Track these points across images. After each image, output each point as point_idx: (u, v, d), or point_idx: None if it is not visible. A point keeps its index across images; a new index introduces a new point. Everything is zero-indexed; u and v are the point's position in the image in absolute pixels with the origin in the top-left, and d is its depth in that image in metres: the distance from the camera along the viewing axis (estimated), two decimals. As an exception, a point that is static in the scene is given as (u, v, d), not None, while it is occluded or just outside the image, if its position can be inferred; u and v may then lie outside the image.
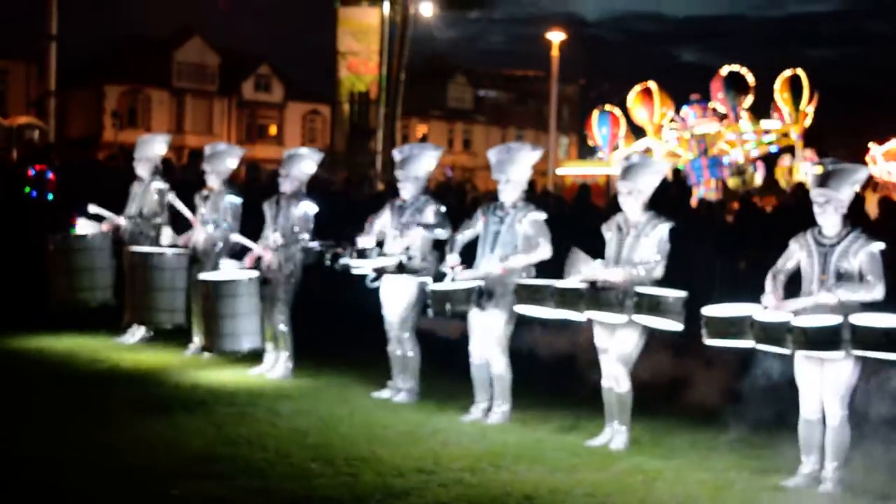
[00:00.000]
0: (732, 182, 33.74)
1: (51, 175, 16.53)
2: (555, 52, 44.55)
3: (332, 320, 12.13)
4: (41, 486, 6.87)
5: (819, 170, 7.61)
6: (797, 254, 7.57)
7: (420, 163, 9.90)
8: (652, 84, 36.34)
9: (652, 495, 7.23)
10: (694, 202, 18.77)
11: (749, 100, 35.29)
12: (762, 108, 35.94)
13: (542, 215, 9.09)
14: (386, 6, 41.83)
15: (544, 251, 8.95)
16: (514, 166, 9.16)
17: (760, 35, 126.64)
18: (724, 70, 35.37)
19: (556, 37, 44.61)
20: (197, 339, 11.47)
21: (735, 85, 35.09)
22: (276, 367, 10.70)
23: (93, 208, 11.99)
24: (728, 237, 13.86)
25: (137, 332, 12.09)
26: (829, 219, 7.43)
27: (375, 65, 42.30)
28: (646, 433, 8.69)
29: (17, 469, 7.20)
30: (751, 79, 35.16)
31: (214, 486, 6.96)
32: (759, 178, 34.34)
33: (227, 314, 10.42)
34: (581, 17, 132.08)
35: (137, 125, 52.49)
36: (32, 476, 7.04)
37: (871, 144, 34.97)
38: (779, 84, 35.57)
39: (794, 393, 7.54)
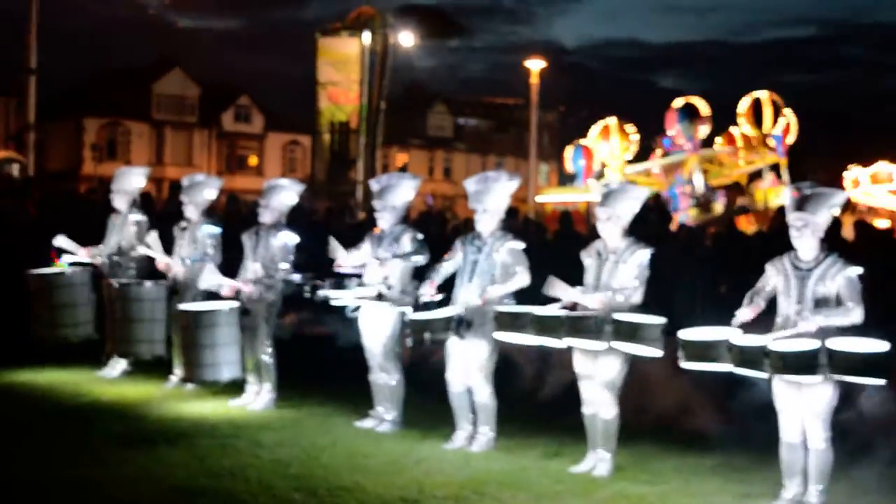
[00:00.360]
0: (693, 213, 33.92)
1: (30, 209, 16.48)
2: (534, 80, 44.67)
3: (312, 350, 12.09)
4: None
5: (793, 193, 7.63)
6: (774, 278, 7.59)
7: (397, 192, 9.91)
8: (611, 120, 36.96)
9: (636, 521, 7.25)
10: (674, 227, 18.79)
11: (705, 129, 35.66)
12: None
13: (520, 244, 9.11)
14: (366, 36, 41.95)
15: (522, 279, 8.97)
16: (491, 196, 9.19)
17: (738, 61, 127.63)
18: (678, 102, 35.80)
19: (535, 65, 44.75)
20: (178, 372, 11.44)
21: (689, 115, 35.49)
22: (258, 398, 10.68)
23: (61, 240, 11.96)
24: (709, 261, 13.87)
25: (118, 366, 12.06)
26: (806, 243, 7.46)
27: (356, 94, 42.38)
28: (629, 459, 8.67)
29: (-1, 504, 7.18)
30: (704, 109, 35.56)
31: (197, 518, 6.96)
32: (720, 207, 34.60)
33: (206, 344, 10.40)
34: (560, 45, 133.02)
35: (117, 157, 52.52)
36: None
37: (845, 174, 35.29)
38: (743, 108, 35.97)
39: (776, 417, 7.54)
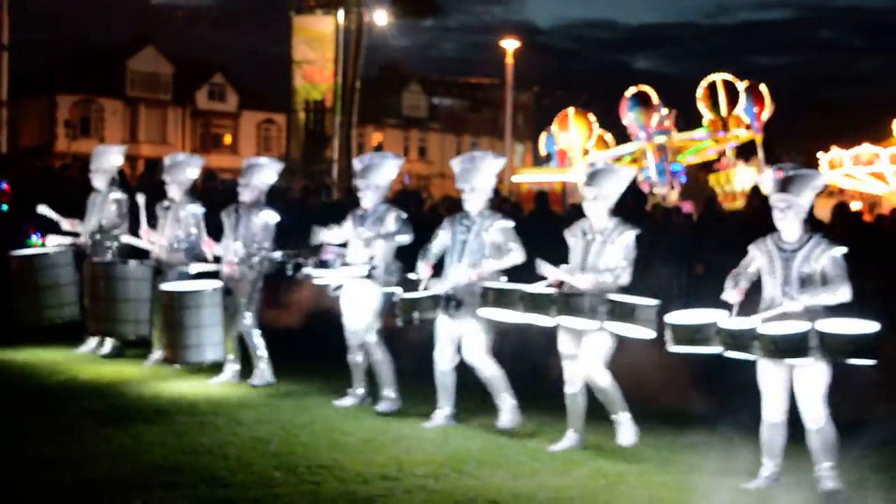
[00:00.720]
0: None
1: (5, 186, 16.39)
2: (509, 60, 44.66)
3: (293, 329, 12.09)
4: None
5: (777, 174, 7.65)
6: (758, 259, 7.59)
7: (380, 171, 9.91)
8: (570, 110, 37.23)
9: (614, 499, 7.26)
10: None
11: (656, 118, 35.84)
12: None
13: (510, 222, 9.12)
14: (341, 15, 41.79)
15: (517, 255, 8.97)
16: (479, 175, 9.19)
17: (712, 43, 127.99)
18: (629, 91, 35.99)
19: (510, 45, 44.71)
20: (158, 351, 11.41)
21: (640, 104, 35.70)
22: (256, 373, 10.67)
23: (43, 209, 11.92)
24: (686, 242, 13.90)
25: (106, 344, 12.01)
26: (789, 224, 7.45)
27: (331, 73, 42.23)
28: (608, 437, 8.69)
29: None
30: (655, 97, 35.77)
31: (177, 495, 6.93)
32: (675, 196, 34.81)
33: (191, 325, 10.37)
34: (534, 25, 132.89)
35: (90, 135, 52.21)
36: (-8, 490, 6.99)
37: (819, 154, 35.41)
38: (699, 92, 36.17)
39: (756, 395, 7.57)
